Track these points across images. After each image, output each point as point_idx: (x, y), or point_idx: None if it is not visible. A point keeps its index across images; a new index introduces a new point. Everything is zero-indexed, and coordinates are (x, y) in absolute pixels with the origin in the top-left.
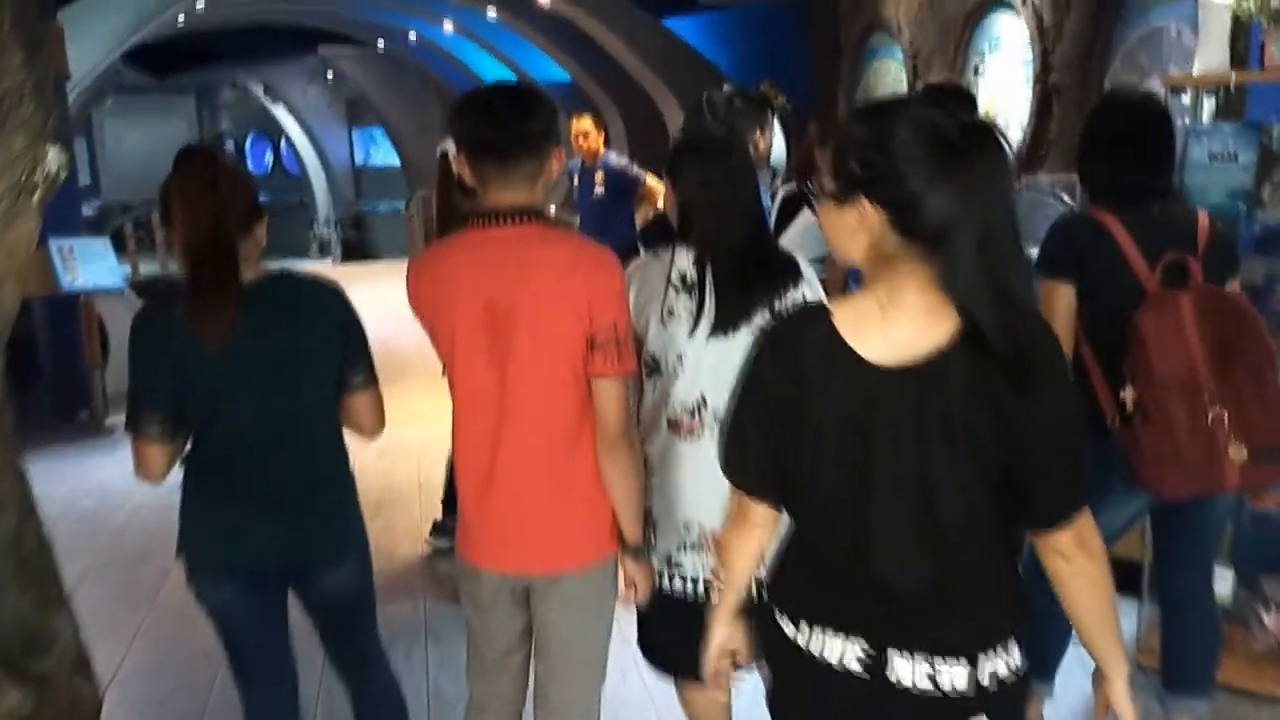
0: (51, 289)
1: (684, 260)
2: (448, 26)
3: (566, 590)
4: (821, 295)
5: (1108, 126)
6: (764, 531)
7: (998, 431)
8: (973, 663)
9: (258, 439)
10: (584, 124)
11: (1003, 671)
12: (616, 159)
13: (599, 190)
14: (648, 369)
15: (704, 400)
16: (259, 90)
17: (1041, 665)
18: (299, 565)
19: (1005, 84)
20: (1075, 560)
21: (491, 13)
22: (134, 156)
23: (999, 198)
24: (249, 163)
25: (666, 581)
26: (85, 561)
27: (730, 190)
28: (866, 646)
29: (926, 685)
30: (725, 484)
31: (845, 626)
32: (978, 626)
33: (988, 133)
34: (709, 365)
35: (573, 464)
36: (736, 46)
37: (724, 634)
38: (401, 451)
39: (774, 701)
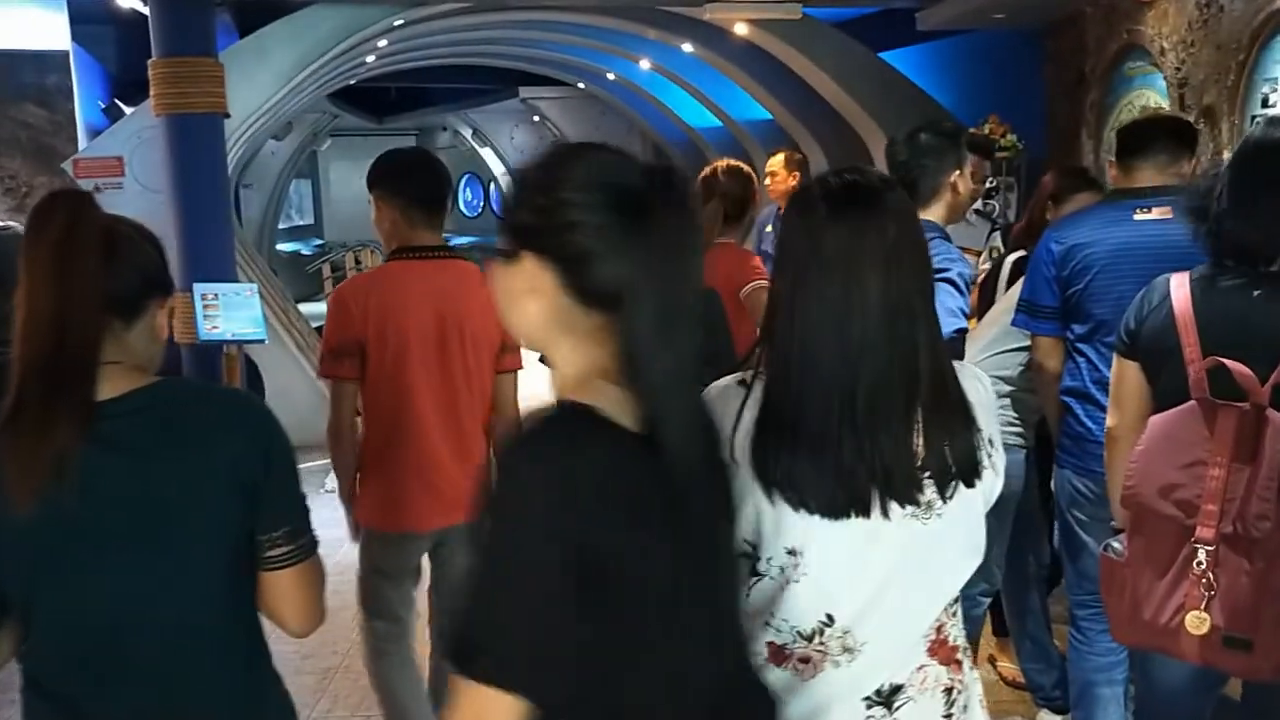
0: (191, 338)
1: (767, 393)
2: (644, 64)
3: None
4: (999, 441)
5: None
6: None
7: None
8: None
9: (103, 649)
10: (772, 163)
11: None
12: None
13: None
14: (744, 566)
15: (829, 619)
16: (468, 133)
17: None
18: None
19: None
20: None
21: (687, 47)
22: (355, 197)
23: (685, 258)
24: (461, 205)
25: None
26: None
27: (820, 276)
28: None
29: None
30: None
31: None
32: None
33: (674, 181)
34: (842, 565)
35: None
36: (962, 79)
37: None
38: None
39: None
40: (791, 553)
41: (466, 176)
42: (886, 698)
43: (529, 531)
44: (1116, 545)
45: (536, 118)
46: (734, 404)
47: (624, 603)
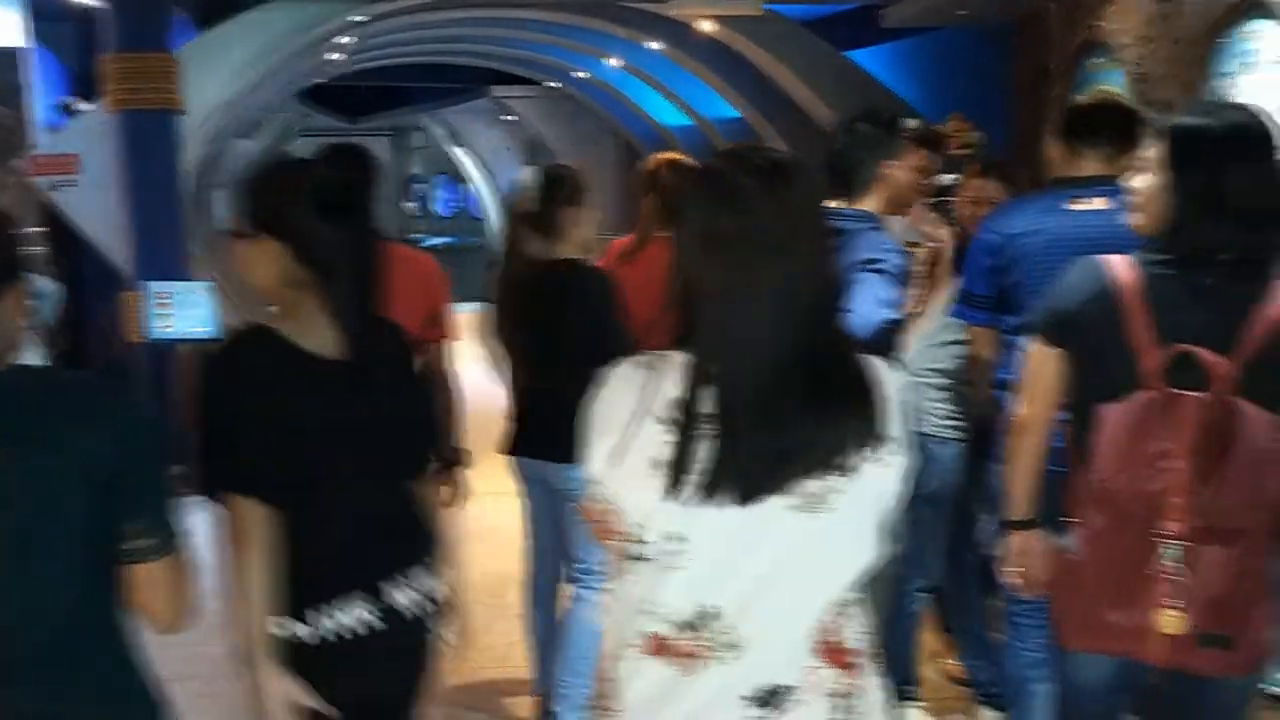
0: (142, 336)
1: (680, 377)
2: (614, 63)
3: None
4: (904, 441)
5: (1179, 158)
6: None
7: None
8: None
9: None
10: None
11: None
12: None
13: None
14: (629, 550)
15: (713, 612)
16: (442, 133)
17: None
18: None
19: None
20: None
21: (654, 45)
22: None
23: (371, 237)
24: (438, 205)
25: None
26: None
27: (756, 257)
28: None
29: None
30: None
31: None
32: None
33: (365, 180)
34: (725, 553)
35: None
36: (928, 77)
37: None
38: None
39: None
40: (673, 538)
41: (441, 177)
42: (772, 698)
43: (210, 392)
44: (1068, 542)
45: (510, 117)
46: (632, 390)
47: (281, 448)
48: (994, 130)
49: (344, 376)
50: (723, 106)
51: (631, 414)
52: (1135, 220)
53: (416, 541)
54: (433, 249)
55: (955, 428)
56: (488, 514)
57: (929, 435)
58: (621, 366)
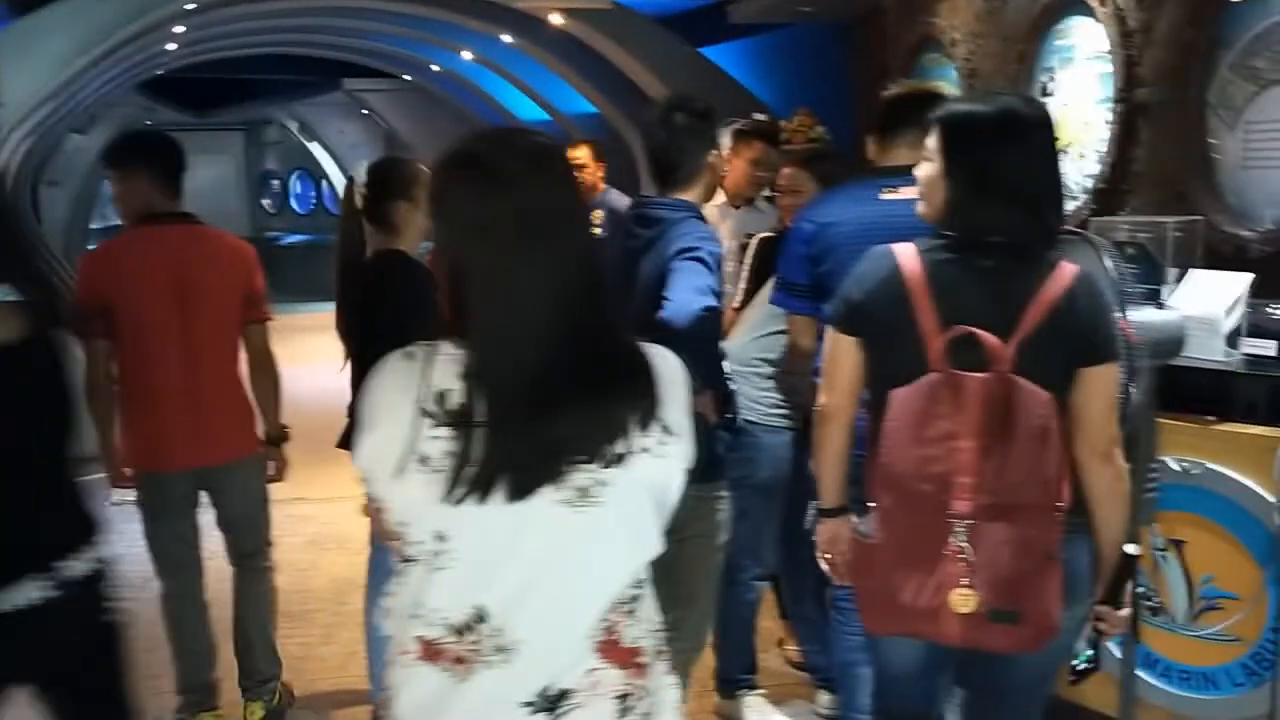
0: None
1: (447, 370)
2: (466, 56)
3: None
4: (682, 430)
5: (952, 144)
6: None
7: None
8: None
9: None
10: (576, 155)
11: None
12: (619, 197)
13: (596, 230)
14: (402, 551)
15: (482, 614)
16: (295, 127)
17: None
18: None
19: (1079, 104)
20: None
21: (507, 38)
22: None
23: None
24: (294, 201)
25: None
26: None
27: (525, 244)
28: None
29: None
30: None
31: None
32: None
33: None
34: (492, 551)
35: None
36: (777, 73)
37: None
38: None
39: None
40: (439, 537)
41: (297, 172)
42: (550, 702)
43: None
44: (863, 528)
45: (364, 111)
46: (398, 383)
47: None
48: (838, 125)
49: (8, 356)
50: (580, 101)
51: (398, 408)
52: (920, 208)
53: (83, 512)
54: (290, 247)
55: (785, 416)
56: (333, 519)
57: (759, 424)
58: (390, 359)
